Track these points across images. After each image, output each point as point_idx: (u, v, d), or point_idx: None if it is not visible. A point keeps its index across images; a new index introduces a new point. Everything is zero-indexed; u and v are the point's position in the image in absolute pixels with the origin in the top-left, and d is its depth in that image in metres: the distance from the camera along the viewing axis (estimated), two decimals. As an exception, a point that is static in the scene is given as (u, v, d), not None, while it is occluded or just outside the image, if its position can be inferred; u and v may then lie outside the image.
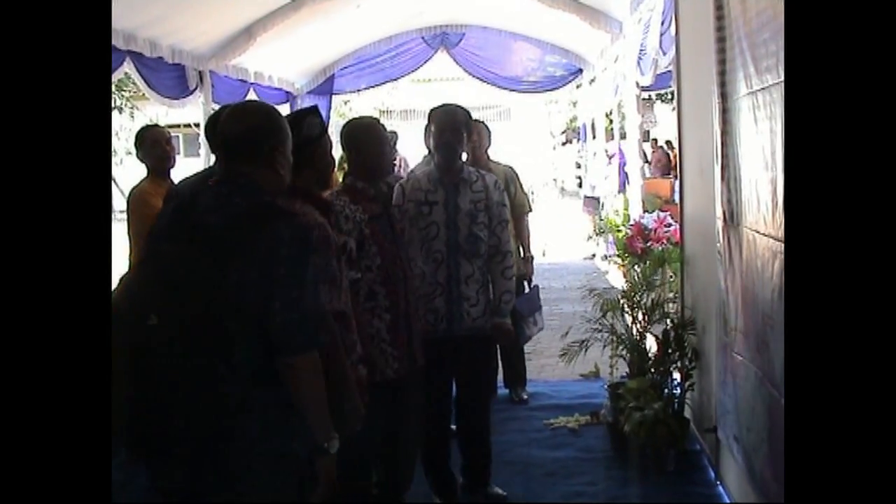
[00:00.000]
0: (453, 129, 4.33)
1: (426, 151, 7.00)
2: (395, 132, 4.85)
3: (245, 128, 2.58)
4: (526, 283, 6.07)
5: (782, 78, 2.85)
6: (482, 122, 5.89)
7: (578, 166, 21.02)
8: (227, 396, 2.33)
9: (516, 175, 6.08)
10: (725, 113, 3.84)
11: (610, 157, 14.72)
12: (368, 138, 3.85)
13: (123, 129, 18.50)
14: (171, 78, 7.72)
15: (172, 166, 5.05)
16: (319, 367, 2.46)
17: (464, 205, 4.30)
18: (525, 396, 6.36)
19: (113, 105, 17.29)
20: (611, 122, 14.50)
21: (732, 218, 3.79)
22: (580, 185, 16.24)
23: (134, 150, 5.22)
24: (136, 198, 4.83)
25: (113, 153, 21.55)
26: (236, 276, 2.33)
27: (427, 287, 4.24)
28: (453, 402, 4.56)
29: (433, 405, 4.35)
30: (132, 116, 18.47)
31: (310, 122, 3.25)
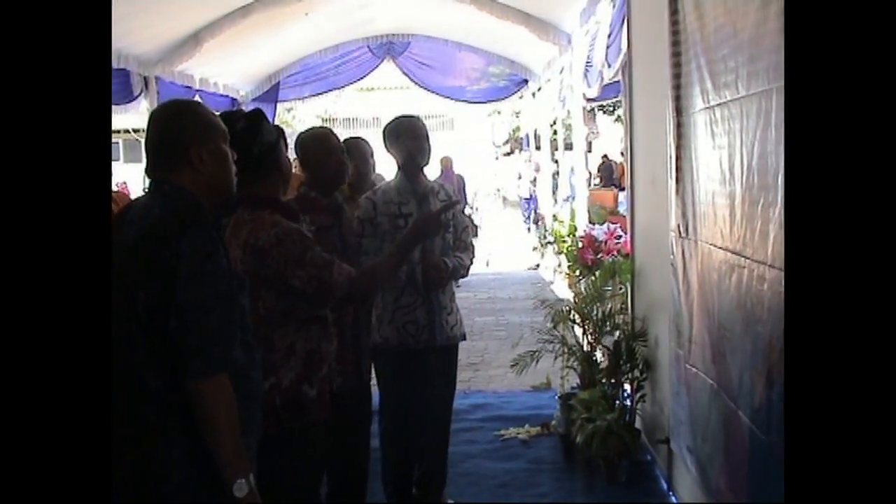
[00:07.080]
0: (425, 137, 4.32)
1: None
2: (365, 140, 4.71)
3: (158, 130, 2.42)
4: None
5: (742, 93, 2.88)
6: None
7: (520, 177, 21.13)
8: (143, 422, 2.21)
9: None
10: (680, 127, 3.88)
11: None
12: (324, 149, 3.82)
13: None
14: (114, 83, 7.55)
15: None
16: (224, 395, 2.23)
17: None
18: None
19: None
20: (555, 133, 14.58)
21: (687, 231, 3.82)
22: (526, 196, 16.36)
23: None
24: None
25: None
26: (143, 297, 2.20)
27: (406, 298, 4.23)
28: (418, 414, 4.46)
29: (406, 418, 4.34)
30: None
31: (267, 128, 3.14)
